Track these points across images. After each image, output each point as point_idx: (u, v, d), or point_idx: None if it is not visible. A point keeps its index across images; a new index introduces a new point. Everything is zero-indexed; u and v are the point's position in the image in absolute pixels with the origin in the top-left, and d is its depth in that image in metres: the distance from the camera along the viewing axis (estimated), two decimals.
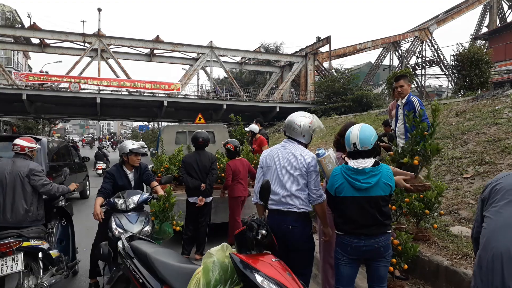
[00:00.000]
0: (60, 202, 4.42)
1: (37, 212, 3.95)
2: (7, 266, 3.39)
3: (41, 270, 3.79)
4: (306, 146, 3.08)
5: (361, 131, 2.65)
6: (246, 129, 8.03)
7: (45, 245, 3.88)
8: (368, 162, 2.63)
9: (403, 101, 4.76)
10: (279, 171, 2.94)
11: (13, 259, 3.43)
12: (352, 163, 2.66)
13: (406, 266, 3.38)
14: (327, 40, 30.58)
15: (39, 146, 4.34)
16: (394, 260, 3.21)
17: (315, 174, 2.93)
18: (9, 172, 3.89)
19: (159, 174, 6.14)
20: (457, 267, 3.32)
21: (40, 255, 3.79)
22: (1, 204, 3.82)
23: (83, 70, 26.91)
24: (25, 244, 3.57)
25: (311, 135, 3.07)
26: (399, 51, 35.59)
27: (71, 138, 56.36)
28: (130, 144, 4.21)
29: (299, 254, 2.88)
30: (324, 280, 3.45)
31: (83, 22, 35.13)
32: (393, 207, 3.91)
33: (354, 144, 2.64)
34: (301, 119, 3.01)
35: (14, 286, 3.44)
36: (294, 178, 2.89)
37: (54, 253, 4.03)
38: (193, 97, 29.56)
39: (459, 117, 9.39)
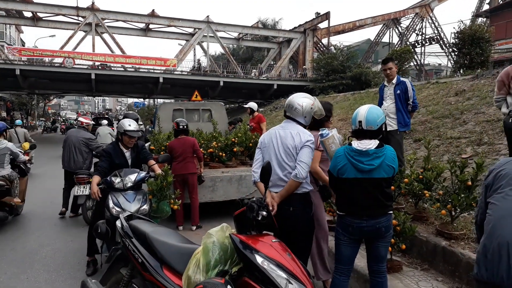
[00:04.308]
0: None
1: (89, 165, 6.46)
2: (81, 190, 5.67)
3: None
4: (305, 128, 3.01)
5: (369, 111, 2.64)
6: (245, 106, 8.02)
7: None
8: (372, 144, 2.59)
9: (394, 81, 4.99)
10: (277, 151, 2.89)
11: (84, 187, 5.66)
12: (356, 144, 2.63)
13: (404, 246, 3.40)
14: (326, 16, 30.01)
15: (92, 122, 7.31)
16: (392, 240, 3.22)
17: (309, 149, 2.79)
18: (75, 137, 6.37)
19: (162, 152, 6.08)
20: (454, 247, 3.34)
21: None
22: (67, 156, 6.33)
23: (77, 45, 26.39)
24: (90, 180, 5.28)
25: (312, 117, 3.01)
26: (399, 28, 35.06)
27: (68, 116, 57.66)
28: (127, 125, 4.11)
29: (299, 235, 2.86)
30: (317, 256, 3.45)
31: None
32: (392, 187, 3.90)
33: (360, 122, 2.63)
34: (304, 99, 2.94)
35: (82, 202, 5.80)
36: (292, 158, 2.85)
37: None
38: (189, 73, 29.16)
39: (458, 96, 9.34)
